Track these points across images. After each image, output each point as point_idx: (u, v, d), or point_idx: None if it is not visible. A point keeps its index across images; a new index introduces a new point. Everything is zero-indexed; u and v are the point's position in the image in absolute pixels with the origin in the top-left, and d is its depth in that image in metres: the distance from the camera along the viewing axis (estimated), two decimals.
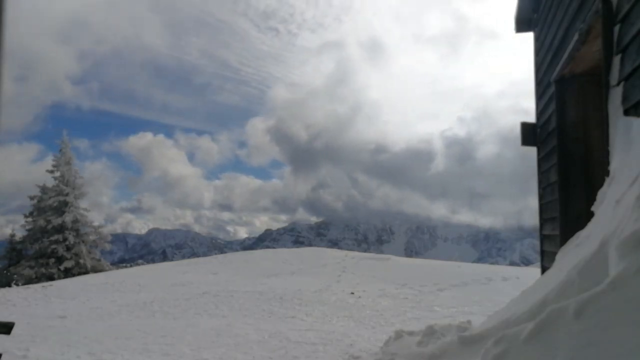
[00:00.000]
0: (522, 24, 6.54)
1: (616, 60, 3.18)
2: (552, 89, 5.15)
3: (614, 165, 2.98)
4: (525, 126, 6.12)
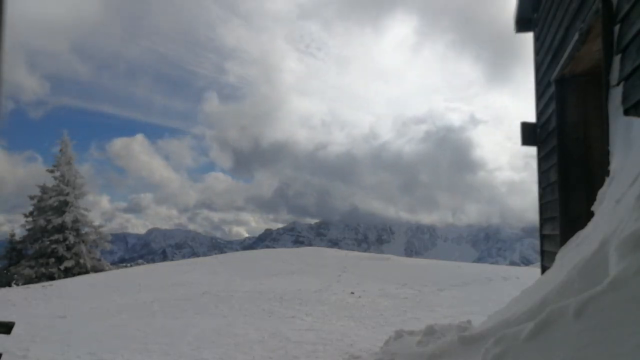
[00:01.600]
0: (522, 24, 6.54)
1: (616, 60, 3.18)
2: (552, 88, 5.15)
3: (614, 165, 2.98)
4: (525, 126, 6.12)
